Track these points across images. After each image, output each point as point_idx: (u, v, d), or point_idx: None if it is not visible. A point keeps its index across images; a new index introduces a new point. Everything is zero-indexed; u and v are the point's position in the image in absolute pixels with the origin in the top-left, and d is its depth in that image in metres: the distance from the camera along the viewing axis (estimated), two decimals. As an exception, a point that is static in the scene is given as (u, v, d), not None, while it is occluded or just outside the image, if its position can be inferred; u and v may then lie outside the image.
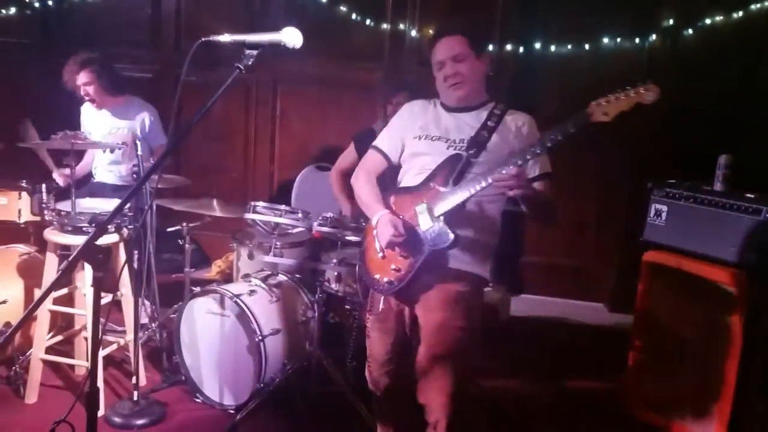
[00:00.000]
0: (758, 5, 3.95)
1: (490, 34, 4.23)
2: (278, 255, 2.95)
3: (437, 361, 2.07)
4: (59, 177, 3.47)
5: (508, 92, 4.21)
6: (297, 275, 3.11)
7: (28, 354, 2.87)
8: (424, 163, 2.19)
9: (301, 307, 3.00)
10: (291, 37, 1.65)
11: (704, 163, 2.85)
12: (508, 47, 4.30)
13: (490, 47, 4.28)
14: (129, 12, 4.70)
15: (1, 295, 2.95)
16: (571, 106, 1.93)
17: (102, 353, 2.81)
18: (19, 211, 3.10)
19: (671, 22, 4.14)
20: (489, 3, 4.32)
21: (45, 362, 2.83)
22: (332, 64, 4.52)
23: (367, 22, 4.42)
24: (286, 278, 3.07)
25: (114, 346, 2.96)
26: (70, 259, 1.78)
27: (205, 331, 2.84)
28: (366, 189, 2.30)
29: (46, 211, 2.99)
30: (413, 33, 4.38)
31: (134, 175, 3.01)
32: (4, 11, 4.58)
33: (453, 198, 2.04)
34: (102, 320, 1.96)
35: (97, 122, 3.69)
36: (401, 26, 4.41)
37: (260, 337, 2.68)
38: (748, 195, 2.60)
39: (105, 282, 1.58)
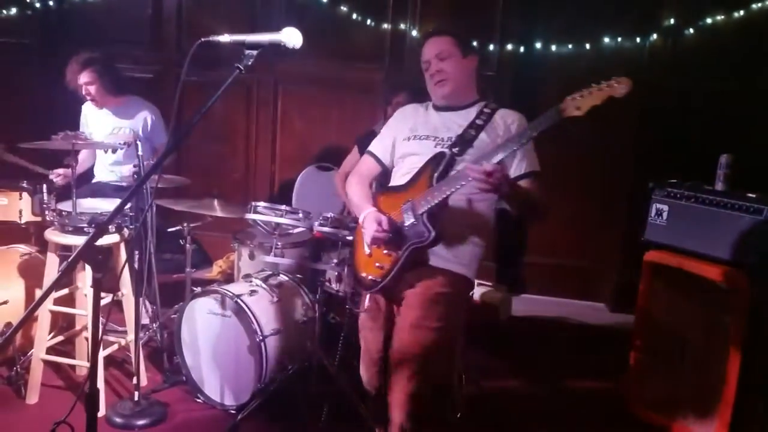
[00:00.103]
0: (759, 5, 3.95)
1: (484, 36, 4.23)
2: (279, 255, 2.95)
3: (405, 358, 2.06)
4: (55, 177, 3.47)
5: (509, 92, 4.22)
6: (298, 275, 3.10)
7: (29, 354, 2.87)
8: (413, 162, 2.21)
9: (302, 307, 3.00)
10: (291, 37, 1.65)
11: (705, 162, 2.85)
12: (509, 47, 4.30)
13: (491, 47, 4.29)
14: (130, 12, 4.70)
15: (2, 295, 2.95)
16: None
17: (103, 353, 2.81)
18: (20, 212, 3.09)
19: (672, 21, 4.14)
20: (489, 3, 4.32)
21: (46, 362, 2.83)
22: (333, 65, 4.52)
23: (368, 22, 4.42)
24: (287, 278, 3.07)
25: (115, 347, 2.96)
26: (69, 260, 1.78)
27: (206, 332, 2.84)
28: (356, 190, 2.34)
29: (47, 212, 2.99)
30: (414, 33, 4.37)
31: (135, 176, 3.01)
32: (4, 11, 4.59)
33: (435, 195, 2.04)
34: (103, 320, 1.97)
35: (99, 122, 3.70)
36: (402, 26, 4.41)
37: (261, 337, 2.68)
38: (750, 195, 2.59)
39: (105, 282, 1.58)
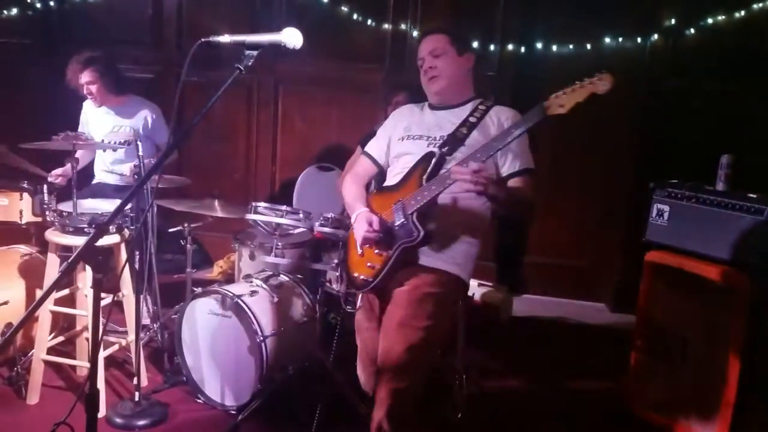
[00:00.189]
0: (759, 5, 3.95)
1: (485, 36, 4.22)
2: (280, 255, 2.95)
3: (390, 357, 2.05)
4: (54, 179, 3.46)
5: (509, 92, 4.22)
6: (298, 276, 3.10)
7: (29, 355, 2.87)
8: (406, 162, 2.21)
9: (303, 307, 3.00)
10: (291, 37, 1.65)
11: (705, 163, 2.85)
12: (510, 47, 4.30)
13: (492, 47, 4.29)
14: (130, 12, 4.70)
15: (2, 296, 2.95)
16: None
17: (103, 354, 2.82)
18: (21, 212, 3.09)
19: (673, 21, 4.14)
20: (490, 3, 4.32)
21: (46, 363, 2.83)
22: (333, 65, 4.52)
23: (369, 22, 4.41)
24: (287, 279, 3.06)
25: (115, 347, 2.96)
26: (69, 260, 1.78)
27: (207, 332, 2.84)
28: (350, 190, 2.35)
29: (47, 212, 2.99)
30: (414, 33, 4.37)
31: (135, 176, 3.01)
32: (5, 12, 4.59)
33: (424, 195, 2.04)
34: (103, 321, 1.97)
35: (100, 120, 3.70)
36: (402, 26, 4.41)
37: (261, 338, 2.68)
38: (751, 195, 2.59)
39: (105, 283, 1.58)
